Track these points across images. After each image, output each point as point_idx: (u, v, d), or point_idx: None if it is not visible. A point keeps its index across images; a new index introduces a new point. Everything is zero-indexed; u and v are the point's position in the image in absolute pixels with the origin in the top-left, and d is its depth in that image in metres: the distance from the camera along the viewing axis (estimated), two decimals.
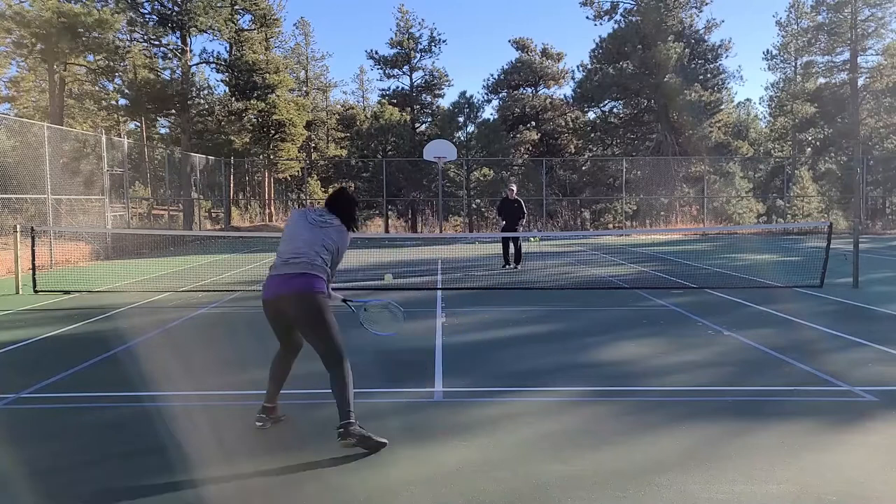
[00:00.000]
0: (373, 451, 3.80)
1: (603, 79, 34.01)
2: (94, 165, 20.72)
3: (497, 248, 15.32)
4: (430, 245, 21.46)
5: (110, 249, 17.43)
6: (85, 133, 25.59)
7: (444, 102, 39.39)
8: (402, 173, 32.06)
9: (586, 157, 37.89)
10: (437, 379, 5.47)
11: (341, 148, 44.26)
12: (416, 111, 38.37)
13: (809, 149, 38.83)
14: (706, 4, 35.75)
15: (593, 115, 38.48)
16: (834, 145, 35.69)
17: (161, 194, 30.51)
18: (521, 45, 40.22)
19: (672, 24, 33.92)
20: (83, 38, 24.78)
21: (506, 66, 39.50)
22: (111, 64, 28.57)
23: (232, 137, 33.84)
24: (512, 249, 13.68)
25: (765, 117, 47.10)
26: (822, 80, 36.65)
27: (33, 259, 10.87)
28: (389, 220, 33.68)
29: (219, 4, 29.83)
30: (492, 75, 42.96)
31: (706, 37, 35.85)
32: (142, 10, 29.59)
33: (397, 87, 39.22)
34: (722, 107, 36.19)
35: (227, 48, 33.00)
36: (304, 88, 45.77)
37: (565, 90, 43.93)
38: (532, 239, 22.35)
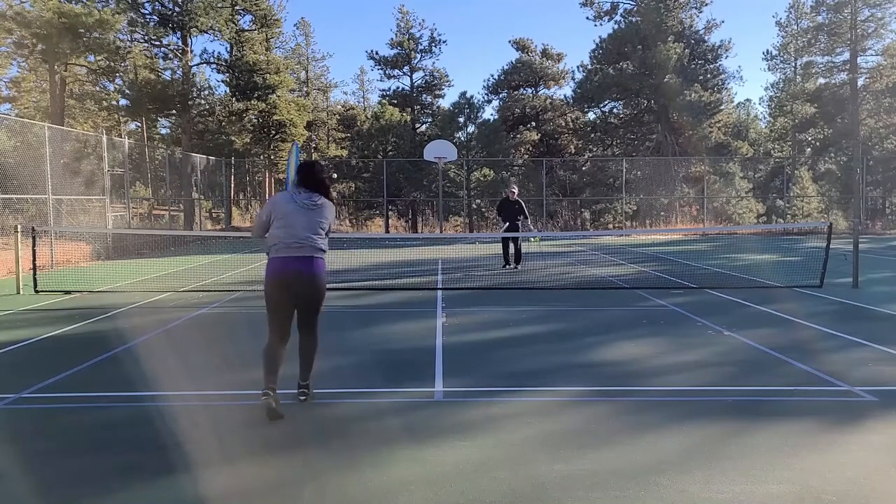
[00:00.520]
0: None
1: (603, 79, 34.00)
2: (94, 166, 20.72)
3: (497, 248, 15.33)
4: (431, 245, 21.47)
5: (111, 249, 17.43)
6: (86, 133, 25.59)
7: (445, 103, 39.45)
8: (403, 173, 32.06)
9: (586, 157, 37.89)
10: (437, 379, 5.48)
11: (342, 148, 44.27)
12: (416, 111, 38.38)
13: (809, 149, 38.83)
14: (706, 5, 35.78)
15: (593, 116, 38.49)
16: (834, 145, 35.69)
17: (162, 194, 30.51)
18: (521, 46, 40.22)
19: (672, 25, 33.92)
20: (84, 39, 24.79)
21: (506, 67, 39.51)
22: (112, 64, 28.59)
23: (232, 138, 33.86)
24: (512, 249, 13.69)
25: (765, 117, 47.19)
26: (821, 81, 36.66)
27: (34, 259, 10.87)
28: (390, 221, 33.69)
29: (219, 5, 29.84)
30: (492, 76, 43.03)
31: (706, 37, 35.86)
32: (142, 11, 29.59)
33: (398, 88, 39.26)
34: (722, 107, 36.19)
35: (228, 49, 33.01)
36: (305, 89, 45.78)
37: (565, 90, 43.92)
38: (532, 239, 22.35)
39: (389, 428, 4.27)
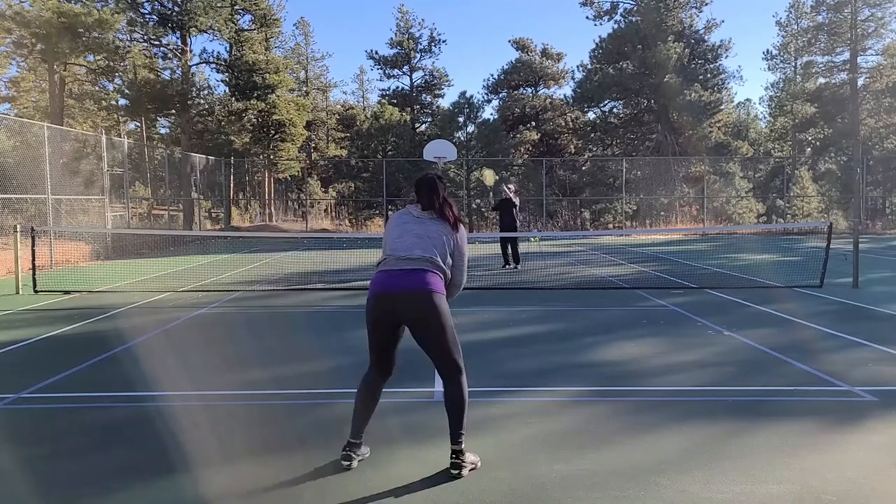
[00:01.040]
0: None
1: (603, 79, 34.01)
2: (94, 165, 20.72)
3: (497, 248, 15.32)
4: None
5: (110, 249, 17.42)
6: (85, 133, 25.58)
7: (444, 102, 39.51)
8: (402, 173, 32.06)
9: (586, 157, 37.90)
10: (437, 379, 5.45)
11: (341, 148, 44.28)
12: (416, 111, 38.40)
13: (809, 149, 38.84)
14: (706, 4, 35.82)
15: (593, 115, 38.51)
16: (834, 145, 35.69)
17: (161, 194, 30.50)
18: (521, 46, 40.24)
19: (672, 25, 33.93)
20: (83, 38, 24.78)
21: (506, 67, 39.57)
22: (111, 64, 28.57)
23: (232, 137, 33.83)
24: (510, 250, 13.68)
25: (765, 117, 47.15)
26: (822, 80, 36.67)
27: (33, 259, 10.87)
28: None
29: (219, 4, 29.83)
30: (492, 75, 43.05)
31: (706, 37, 35.88)
32: (142, 10, 29.58)
33: (397, 88, 39.29)
34: (722, 107, 36.21)
35: (228, 48, 33.01)
36: (305, 88, 45.77)
37: (565, 90, 43.96)
38: (532, 239, 22.35)
39: (389, 428, 4.26)
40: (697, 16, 35.81)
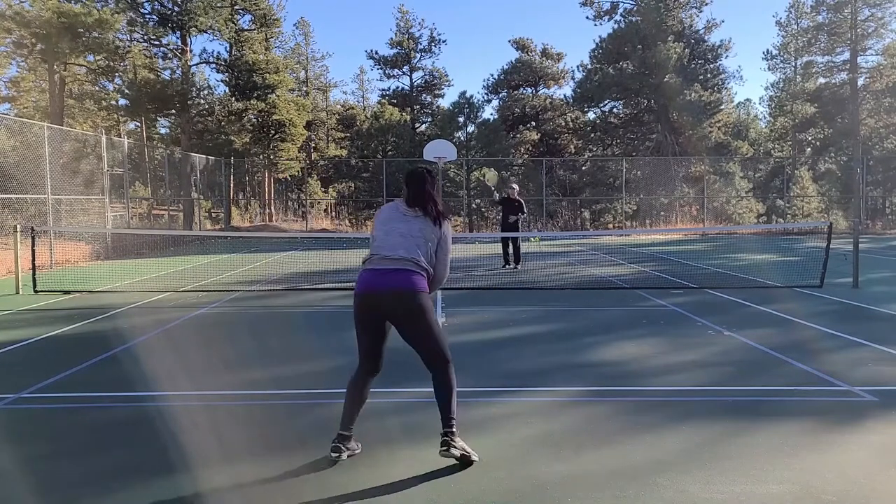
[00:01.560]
0: (466, 464, 3.63)
1: (603, 79, 34.00)
2: (94, 165, 20.71)
3: (497, 248, 15.32)
4: None
5: (110, 249, 17.42)
6: (85, 133, 25.58)
7: (444, 102, 39.49)
8: (402, 173, 31.94)
9: (586, 157, 37.89)
10: None
11: (341, 148, 44.26)
12: (416, 111, 38.39)
13: (809, 149, 38.84)
14: (706, 4, 35.81)
15: (593, 115, 38.50)
16: (834, 145, 35.69)
17: (161, 194, 30.50)
18: (521, 46, 40.23)
19: (672, 25, 33.93)
20: (83, 38, 24.78)
21: (506, 66, 39.54)
22: (111, 64, 28.57)
23: (232, 137, 33.83)
24: (511, 249, 13.68)
25: (765, 117, 47.15)
26: (822, 80, 36.66)
27: (33, 259, 10.87)
28: None
29: (219, 4, 29.83)
30: (492, 75, 43.01)
31: (706, 37, 35.87)
32: (142, 10, 29.58)
33: (397, 88, 39.28)
34: (722, 107, 36.20)
35: (228, 48, 33.00)
36: (304, 88, 45.77)
37: (565, 90, 43.91)
38: (532, 239, 22.36)
39: (389, 428, 4.27)
40: (697, 16, 35.85)
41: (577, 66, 38.25)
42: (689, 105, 32.30)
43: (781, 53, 39.13)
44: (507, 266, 13.65)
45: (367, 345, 3.77)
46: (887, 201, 34.85)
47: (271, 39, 38.22)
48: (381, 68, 39.14)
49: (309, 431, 4.26)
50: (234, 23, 31.67)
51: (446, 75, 39.07)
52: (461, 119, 35.12)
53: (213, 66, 34.20)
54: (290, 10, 68.18)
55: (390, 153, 33.89)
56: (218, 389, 5.18)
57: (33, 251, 10.90)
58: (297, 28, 48.00)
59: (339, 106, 51.06)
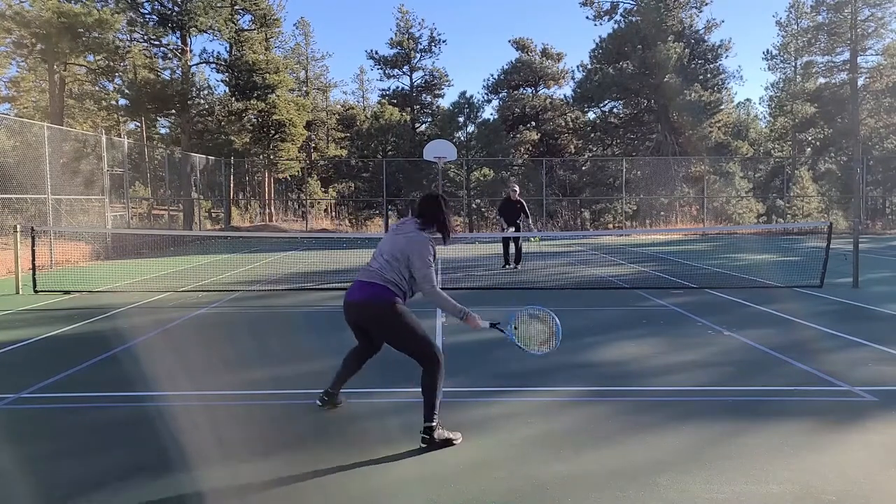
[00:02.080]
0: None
1: (603, 79, 34.00)
2: (94, 165, 20.71)
3: (497, 248, 15.32)
4: None
5: (110, 249, 17.43)
6: (85, 133, 25.58)
7: (444, 102, 39.49)
8: (402, 173, 32.07)
9: (586, 157, 37.89)
10: None
11: (341, 148, 44.27)
12: (416, 111, 38.39)
13: (809, 149, 38.84)
14: (706, 4, 35.79)
15: (593, 115, 38.50)
16: (834, 145, 35.69)
17: (161, 194, 30.51)
18: (521, 46, 40.23)
19: (672, 25, 33.92)
20: (83, 38, 24.78)
21: (506, 66, 39.53)
22: (111, 64, 28.58)
23: (232, 137, 33.84)
24: (512, 249, 13.68)
25: (765, 117, 47.15)
26: (822, 80, 36.66)
27: (33, 259, 10.87)
28: (389, 220, 33.66)
29: (219, 4, 29.83)
30: (492, 75, 43.03)
31: (706, 37, 35.86)
32: (142, 10, 29.59)
33: (397, 87, 39.27)
34: (722, 107, 36.19)
35: (228, 48, 33.00)
36: (304, 88, 45.78)
37: (565, 90, 43.94)
38: (533, 239, 22.35)
39: (389, 428, 4.27)
40: (697, 16, 35.84)
41: (577, 66, 38.29)
42: (689, 105, 32.30)
43: (781, 53, 39.13)
44: (508, 266, 13.65)
45: (359, 339, 4.40)
46: (887, 201, 34.86)
47: (271, 39, 38.22)
48: (381, 68, 39.14)
49: (309, 431, 4.26)
50: (234, 23, 31.67)
51: (446, 75, 39.10)
52: (461, 119, 35.13)
53: (213, 66, 34.22)
54: (290, 10, 68.27)
55: (390, 153, 33.90)
56: (218, 389, 5.19)
57: (33, 251, 10.90)
58: (297, 28, 48.09)
59: (339, 106, 51.09)
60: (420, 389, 3.94)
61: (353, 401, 4.69)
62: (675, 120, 33.70)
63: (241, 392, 5.15)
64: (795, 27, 37.92)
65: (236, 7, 32.13)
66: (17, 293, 10.44)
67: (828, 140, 36.34)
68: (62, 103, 27.75)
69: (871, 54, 34.83)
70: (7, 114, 30.04)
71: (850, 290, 10.20)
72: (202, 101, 33.48)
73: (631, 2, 35.41)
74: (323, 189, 39.41)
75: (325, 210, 37.67)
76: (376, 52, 38.76)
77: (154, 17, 29.87)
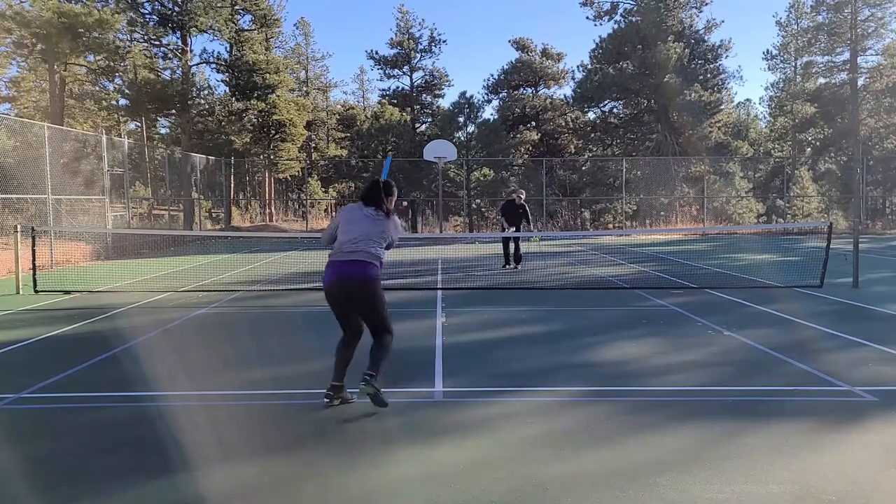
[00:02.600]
0: (380, 406, 4.41)
1: (603, 79, 34.00)
2: (94, 165, 20.72)
3: (497, 248, 15.33)
4: (430, 245, 21.46)
5: (110, 249, 17.43)
6: (85, 133, 25.58)
7: (444, 102, 39.46)
8: (402, 173, 32.05)
9: (586, 157, 37.89)
10: (436, 379, 5.47)
11: (341, 148, 44.26)
12: (416, 111, 38.37)
13: (809, 149, 38.83)
14: (706, 4, 35.79)
15: (593, 116, 38.50)
16: (834, 145, 35.69)
17: (161, 194, 30.51)
18: (521, 46, 40.22)
19: (672, 25, 33.92)
20: (83, 38, 24.77)
21: (506, 67, 39.53)
22: (111, 64, 28.57)
23: (232, 137, 33.84)
24: (512, 249, 13.68)
25: (765, 117, 47.14)
26: (822, 80, 36.65)
27: (34, 259, 10.87)
28: None
29: (219, 4, 29.82)
30: (492, 75, 43.02)
31: (706, 37, 35.86)
32: (142, 10, 29.58)
33: (397, 88, 39.25)
34: (722, 107, 36.18)
35: (228, 48, 33.00)
36: (305, 88, 45.78)
37: (565, 90, 43.93)
38: (533, 239, 22.35)
39: (389, 428, 4.27)
40: (697, 16, 35.84)
41: (577, 67, 38.28)
42: (689, 105, 32.30)
43: (781, 53, 39.12)
44: (507, 266, 13.65)
45: (341, 319, 4.69)
46: (887, 201, 34.85)
47: (271, 39, 38.22)
48: (381, 68, 39.12)
49: (309, 431, 4.26)
50: (234, 23, 31.66)
51: (446, 75, 39.07)
52: (461, 119, 35.13)
53: (214, 66, 34.21)
54: (290, 10, 68.29)
55: (390, 153, 33.88)
56: (218, 389, 5.19)
57: (34, 251, 10.90)
58: (297, 28, 48.10)
59: (339, 106, 51.09)
60: (371, 352, 4.48)
61: (353, 401, 4.69)
62: (675, 120, 33.70)
63: (241, 392, 5.15)
64: (795, 27, 37.92)
65: (236, 7, 32.12)
66: (18, 293, 10.44)
67: (828, 140, 36.33)
68: (62, 103, 27.74)
69: (871, 54, 34.86)
70: (7, 114, 30.06)
71: (850, 290, 10.20)
72: (202, 101, 33.48)
73: (631, 2, 35.42)
74: (323, 189, 39.42)
75: (326, 210, 37.68)
76: (376, 52, 38.77)
77: (154, 17, 29.87)
